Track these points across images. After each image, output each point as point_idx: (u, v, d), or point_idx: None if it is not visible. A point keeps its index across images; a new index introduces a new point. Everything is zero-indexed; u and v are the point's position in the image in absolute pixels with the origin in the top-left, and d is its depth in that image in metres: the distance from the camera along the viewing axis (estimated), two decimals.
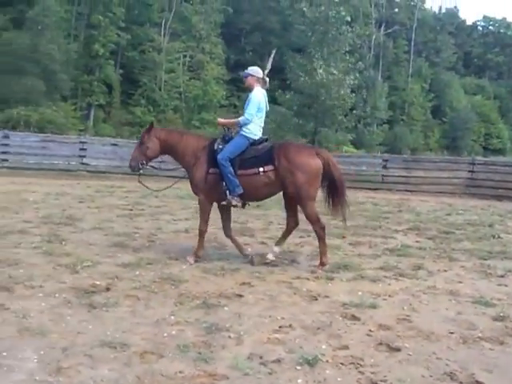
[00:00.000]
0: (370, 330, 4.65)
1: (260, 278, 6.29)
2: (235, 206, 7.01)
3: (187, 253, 7.14)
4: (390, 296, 5.71)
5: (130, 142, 22.29)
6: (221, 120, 7.42)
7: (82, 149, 19.36)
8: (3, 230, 8.17)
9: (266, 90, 7.33)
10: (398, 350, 4.26)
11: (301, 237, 8.75)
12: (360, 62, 34.02)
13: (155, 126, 7.50)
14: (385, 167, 20.20)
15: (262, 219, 10.69)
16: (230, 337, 4.38)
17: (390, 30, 54.71)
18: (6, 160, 18.41)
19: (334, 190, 7.03)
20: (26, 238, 7.77)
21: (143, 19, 43.00)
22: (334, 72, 29.92)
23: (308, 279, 6.30)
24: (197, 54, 44.20)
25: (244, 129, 6.97)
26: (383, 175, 20.07)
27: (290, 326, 4.69)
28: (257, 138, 7.03)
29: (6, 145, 18.56)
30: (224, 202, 6.97)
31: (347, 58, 32.06)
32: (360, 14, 44.01)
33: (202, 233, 7.07)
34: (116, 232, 8.56)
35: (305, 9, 31.48)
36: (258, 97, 7.05)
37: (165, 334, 4.38)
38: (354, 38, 33.57)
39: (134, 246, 7.64)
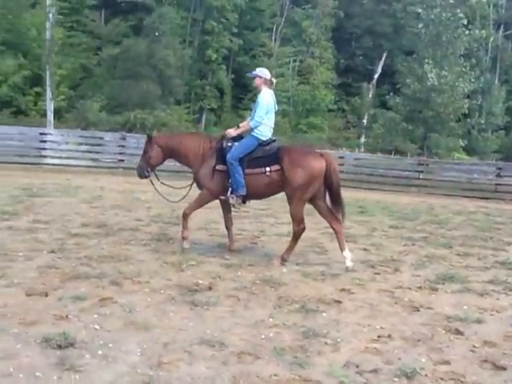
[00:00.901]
0: (474, 346, 4.44)
1: (360, 285, 6.20)
2: (233, 205, 7.30)
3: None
4: (497, 311, 5.43)
5: None
6: (231, 132, 7.38)
7: None
8: (116, 227, 8.62)
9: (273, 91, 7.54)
10: (503, 368, 4.04)
11: (405, 245, 8.53)
12: (476, 68, 32.58)
13: (154, 135, 7.91)
14: (499, 175, 19.22)
15: (366, 225, 10.52)
16: (326, 343, 4.36)
17: (508, 32, 51.99)
18: (123, 160, 19.35)
19: (330, 193, 7.18)
20: (137, 235, 8.15)
21: (255, 24, 43.66)
22: (447, 76, 28.82)
23: (410, 289, 6.12)
24: (306, 59, 44.23)
25: (255, 130, 7.17)
26: (497, 184, 19.10)
27: (389, 336, 4.58)
28: (266, 138, 7.24)
29: (123, 146, 19.51)
30: (222, 197, 7.27)
31: (462, 61, 30.81)
32: (477, 16, 42.08)
33: (185, 215, 7.46)
34: (221, 233, 8.74)
35: (420, 10, 30.59)
36: (267, 99, 7.28)
37: (262, 336, 4.42)
38: (471, 41, 32.14)
39: (236, 247, 7.77)
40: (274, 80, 7.64)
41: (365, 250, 8.20)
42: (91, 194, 12.53)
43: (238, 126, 7.49)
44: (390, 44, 45.16)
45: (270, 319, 4.85)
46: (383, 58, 45.64)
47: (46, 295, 5.07)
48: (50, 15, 24.14)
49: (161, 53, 33.98)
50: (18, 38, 29.86)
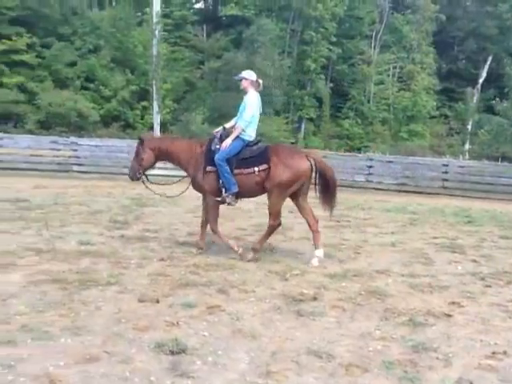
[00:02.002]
0: None
1: (471, 298, 5.95)
2: (229, 204, 7.48)
3: (393, 266, 7.06)
4: None
5: (338, 154, 22.61)
6: (227, 140, 7.40)
7: None
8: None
9: (260, 92, 7.68)
10: None
11: None
12: None
13: (145, 138, 7.99)
14: None
15: (474, 236, 10.09)
16: (437, 358, 4.22)
17: None
18: None
19: (326, 187, 7.57)
20: (240, 244, 8.26)
21: (354, 32, 43.35)
22: None
23: None
24: (407, 65, 43.33)
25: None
26: None
27: (505, 352, 4.37)
28: (252, 139, 7.52)
29: None
30: (218, 199, 7.44)
31: None
32: None
33: (215, 232, 7.64)
34: (323, 242, 8.70)
35: None
36: (254, 100, 7.53)
37: (370, 349, 4.35)
38: None
39: (340, 257, 7.72)
40: (261, 81, 7.77)
41: (474, 261, 7.86)
42: (194, 203, 12.83)
43: (224, 128, 7.70)
44: (496, 46, 43.32)
45: (377, 331, 4.76)
46: (488, 62, 43.84)
47: (158, 302, 5.26)
48: (156, 32, 25.21)
49: (260, 64, 34.44)
50: (126, 55, 31.38)
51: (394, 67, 43.82)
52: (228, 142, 7.40)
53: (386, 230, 10.37)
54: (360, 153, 29.37)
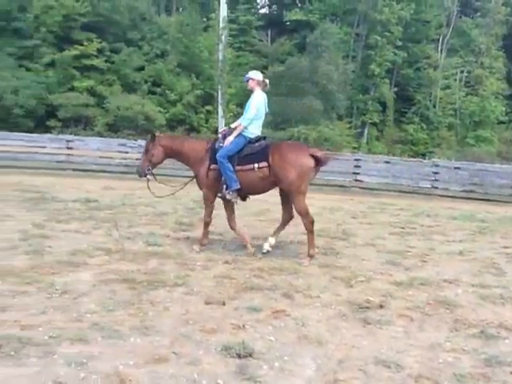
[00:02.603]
0: None
1: None
2: (229, 200, 7.76)
3: (462, 276, 6.87)
4: None
5: (403, 159, 22.21)
6: (229, 138, 7.59)
7: (356, 166, 19.82)
8: (284, 241, 8.79)
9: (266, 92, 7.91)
10: None
11: None
12: None
13: (157, 135, 8.18)
14: None
15: None
16: None
17: None
18: None
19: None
20: (304, 249, 8.21)
21: (420, 36, 42.50)
22: None
23: None
24: (475, 69, 42.14)
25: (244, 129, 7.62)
26: None
27: None
28: (254, 136, 7.67)
29: None
30: (219, 195, 7.74)
31: None
32: None
33: (206, 224, 7.93)
34: (388, 249, 8.57)
35: None
36: (258, 99, 7.68)
37: (440, 360, 4.24)
38: None
39: (406, 264, 7.56)
40: (267, 81, 7.97)
41: None
42: (258, 207, 12.88)
43: (230, 127, 7.89)
44: None
45: (447, 343, 4.64)
46: None
47: (224, 304, 5.31)
48: (223, 37, 25.51)
49: (323, 68, 34.27)
50: (191, 60, 31.84)
51: (462, 71, 42.65)
52: (230, 139, 7.58)
53: (453, 238, 10.08)
54: (425, 158, 28.77)
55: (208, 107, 31.29)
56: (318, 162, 7.60)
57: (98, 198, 12.27)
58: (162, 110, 29.22)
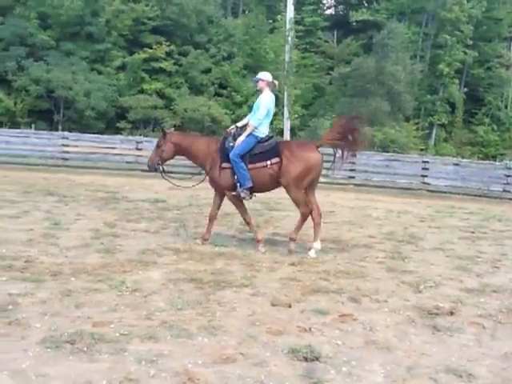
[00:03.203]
0: None
1: None
2: (244, 198, 7.87)
3: None
4: None
5: (473, 162, 21.60)
6: (240, 138, 7.76)
7: (424, 168, 19.42)
8: (350, 243, 8.71)
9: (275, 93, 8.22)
10: None
11: None
12: None
13: (168, 132, 8.40)
14: None
15: None
16: None
17: None
18: (353, 177, 19.56)
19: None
20: (371, 252, 8.14)
21: (492, 35, 41.23)
22: None
23: None
24: None
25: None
26: None
27: None
28: (263, 136, 7.88)
29: (353, 163, 19.68)
30: (234, 193, 7.85)
31: None
32: None
33: (248, 223, 8.17)
34: (458, 254, 8.34)
35: None
36: (268, 99, 7.89)
37: None
38: None
39: (476, 270, 7.34)
40: (276, 82, 8.34)
41: None
42: (323, 209, 12.78)
43: (237, 127, 8.08)
44: None
45: None
46: None
47: (290, 306, 5.30)
48: (289, 38, 25.50)
49: (390, 69, 33.75)
50: (257, 62, 32.07)
51: None
52: (241, 139, 7.76)
53: None
54: (495, 161, 27.85)
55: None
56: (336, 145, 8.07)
57: (165, 198, 12.52)
58: (227, 111, 29.55)
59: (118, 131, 25.62)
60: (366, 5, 41.69)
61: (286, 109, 26.09)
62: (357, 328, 4.83)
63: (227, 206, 11.18)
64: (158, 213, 10.46)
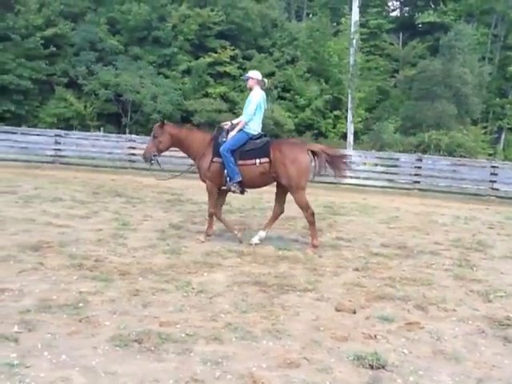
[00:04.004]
0: None
1: None
2: (234, 192, 8.14)
3: None
4: None
5: None
6: (231, 133, 8.05)
7: (492, 173, 18.80)
8: (415, 250, 8.53)
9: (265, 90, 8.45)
10: None
11: None
12: None
13: (166, 123, 8.50)
14: None
15: None
16: None
17: None
18: (418, 182, 19.17)
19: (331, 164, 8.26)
20: (437, 259, 7.95)
21: None
22: None
23: None
24: None
25: (245, 125, 8.07)
26: None
27: None
28: (255, 133, 8.13)
29: (419, 167, 19.33)
30: (224, 187, 8.14)
31: None
32: None
33: (211, 214, 8.27)
34: None
35: None
36: (257, 97, 8.14)
37: None
38: None
39: None
40: (266, 80, 8.62)
41: None
42: (388, 214, 12.62)
43: (232, 123, 8.30)
44: None
45: None
46: None
47: (354, 312, 5.24)
48: (354, 41, 25.26)
49: (457, 71, 32.87)
50: (321, 65, 31.94)
51: None
52: (232, 133, 8.04)
53: None
54: None
55: (336, 112, 31.18)
56: (317, 156, 8.19)
57: (229, 201, 12.61)
58: (290, 114, 29.53)
59: None
60: (432, 6, 40.78)
61: (349, 112, 25.81)
62: (424, 337, 4.72)
63: (291, 210, 11.22)
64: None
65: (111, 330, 4.43)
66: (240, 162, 7.97)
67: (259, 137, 8.19)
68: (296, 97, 30.56)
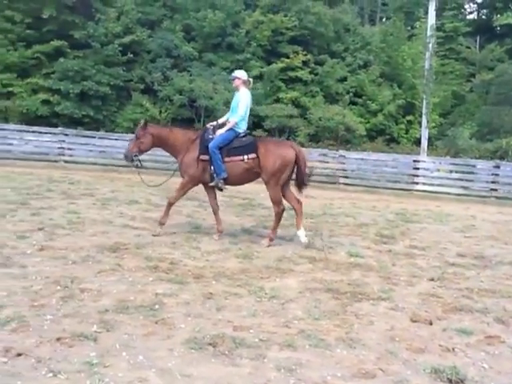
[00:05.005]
0: None
1: None
2: (220, 188, 8.43)
3: None
4: None
5: None
6: (220, 131, 8.34)
7: None
8: (494, 260, 8.23)
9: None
10: None
11: None
12: None
13: (148, 124, 8.68)
14: None
15: None
16: None
17: None
18: (496, 190, 18.50)
19: (299, 175, 8.52)
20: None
21: None
22: None
23: None
24: None
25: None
26: None
27: None
28: (242, 131, 8.42)
29: (496, 175, 18.66)
30: (212, 184, 8.37)
31: None
32: None
33: (170, 204, 8.54)
34: None
35: None
36: (246, 98, 8.49)
37: None
38: None
39: None
40: (251, 80, 8.90)
41: None
42: (463, 222, 12.25)
43: (217, 122, 8.60)
44: None
45: None
46: None
47: (430, 323, 5.11)
48: (429, 45, 24.67)
49: None
50: (394, 70, 31.38)
51: None
52: (221, 131, 8.29)
53: None
54: None
55: (409, 117, 30.52)
56: (297, 155, 8.36)
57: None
58: (362, 120, 29.16)
59: None
60: None
61: (424, 117, 25.18)
62: (505, 351, 4.55)
63: (364, 216, 11.07)
64: (292, 221, 10.50)
65: (186, 333, 4.50)
66: (227, 159, 8.23)
67: (245, 135, 8.50)
68: (368, 102, 30.13)
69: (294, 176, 8.57)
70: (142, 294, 5.40)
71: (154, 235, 8.23)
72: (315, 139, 26.87)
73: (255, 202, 12.87)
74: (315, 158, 19.87)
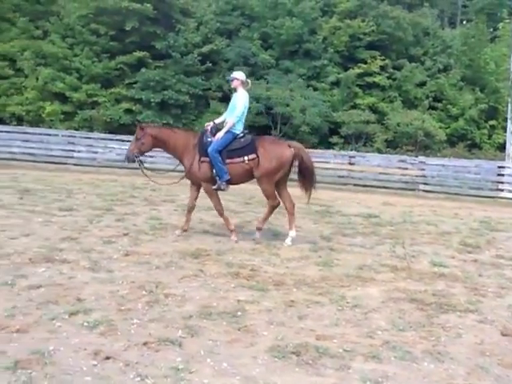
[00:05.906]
0: None
1: None
2: (223, 190, 8.43)
3: None
4: None
5: None
6: (220, 134, 8.31)
7: None
8: None
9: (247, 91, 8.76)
10: None
11: None
12: None
13: (147, 125, 8.95)
14: None
15: None
16: None
17: None
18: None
19: (306, 173, 8.60)
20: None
21: None
22: None
23: None
24: None
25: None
26: None
27: None
28: (239, 132, 8.44)
29: None
30: (215, 187, 8.39)
31: None
32: None
33: (221, 215, 8.64)
34: None
35: None
36: (243, 99, 8.56)
37: None
38: None
39: None
40: (249, 81, 8.92)
41: None
42: None
43: (214, 123, 8.64)
44: None
45: None
46: None
47: None
48: None
49: None
50: (476, 73, 30.37)
51: None
52: (220, 134, 8.28)
53: None
54: None
55: (492, 122, 29.39)
56: (298, 154, 8.47)
57: (378, 213, 12.41)
58: (442, 125, 28.36)
59: (330, 146, 25.97)
60: None
61: (508, 122, 24.20)
62: None
63: (446, 223, 10.76)
64: (372, 228, 10.38)
65: (269, 341, 4.49)
66: (228, 161, 8.28)
67: (243, 136, 8.51)
68: (448, 106, 29.27)
69: (298, 177, 8.72)
70: (225, 301, 5.45)
71: (235, 242, 8.33)
72: (393, 145, 26.35)
73: (333, 209, 12.76)
74: (394, 164, 19.56)
